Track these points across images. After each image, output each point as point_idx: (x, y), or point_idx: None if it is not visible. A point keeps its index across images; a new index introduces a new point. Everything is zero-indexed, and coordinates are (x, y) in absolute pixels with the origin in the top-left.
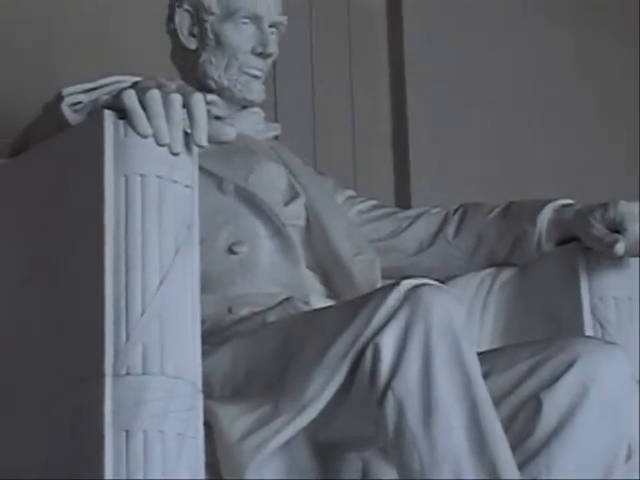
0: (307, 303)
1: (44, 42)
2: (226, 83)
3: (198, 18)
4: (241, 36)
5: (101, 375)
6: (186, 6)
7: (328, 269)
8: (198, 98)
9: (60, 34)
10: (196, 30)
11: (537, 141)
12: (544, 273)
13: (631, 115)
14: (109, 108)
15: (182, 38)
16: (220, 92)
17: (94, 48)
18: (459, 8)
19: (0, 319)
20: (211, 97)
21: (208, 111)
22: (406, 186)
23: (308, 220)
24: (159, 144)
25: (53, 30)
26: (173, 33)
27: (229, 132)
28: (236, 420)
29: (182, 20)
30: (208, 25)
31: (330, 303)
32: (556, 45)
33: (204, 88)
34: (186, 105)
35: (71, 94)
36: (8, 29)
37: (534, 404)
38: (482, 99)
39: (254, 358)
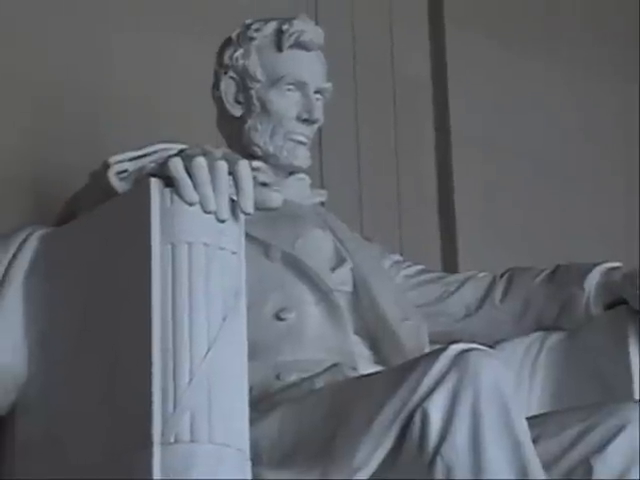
0: (355, 369)
1: (91, 110)
2: (272, 149)
3: (244, 85)
4: (286, 103)
5: (149, 443)
6: (232, 74)
7: (376, 334)
8: (244, 165)
9: (107, 102)
10: (241, 97)
11: (584, 202)
12: (592, 337)
13: None
14: (155, 176)
15: (228, 105)
16: (266, 159)
17: (140, 116)
18: (504, 73)
19: (53, 386)
20: (257, 164)
21: (254, 178)
22: (453, 251)
23: (355, 286)
24: (205, 211)
25: (100, 98)
26: (219, 100)
27: (275, 198)
28: None
29: (228, 87)
30: (253, 92)
31: (378, 368)
32: (602, 106)
33: (250, 155)
34: (232, 172)
35: (118, 162)
36: (55, 97)
37: (585, 469)
38: (528, 163)
39: (302, 425)
